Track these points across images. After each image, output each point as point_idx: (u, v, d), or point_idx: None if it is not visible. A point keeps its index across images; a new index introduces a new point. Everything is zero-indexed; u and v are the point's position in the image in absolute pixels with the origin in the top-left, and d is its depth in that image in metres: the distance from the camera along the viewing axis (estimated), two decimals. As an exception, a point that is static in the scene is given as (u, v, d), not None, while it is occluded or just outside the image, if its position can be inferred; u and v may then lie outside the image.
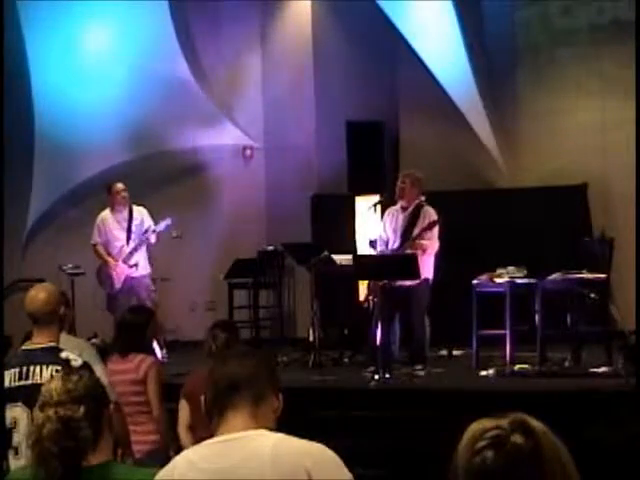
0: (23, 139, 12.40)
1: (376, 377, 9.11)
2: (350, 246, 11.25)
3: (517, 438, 1.85)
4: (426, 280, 9.55)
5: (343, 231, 11.87)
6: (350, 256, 10.16)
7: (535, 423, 1.89)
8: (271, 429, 2.69)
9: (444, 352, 10.79)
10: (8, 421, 4.31)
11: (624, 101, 11.27)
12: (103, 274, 11.02)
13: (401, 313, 9.80)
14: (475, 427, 1.90)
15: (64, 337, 5.08)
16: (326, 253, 10.30)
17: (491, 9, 12.55)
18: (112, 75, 12.68)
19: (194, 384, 6.02)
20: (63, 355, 4.45)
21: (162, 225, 10.97)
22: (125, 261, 10.93)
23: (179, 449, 3.19)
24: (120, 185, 11.03)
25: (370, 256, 10.01)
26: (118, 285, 10.90)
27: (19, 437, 4.27)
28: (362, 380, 9.30)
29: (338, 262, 10.38)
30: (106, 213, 11.11)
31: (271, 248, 12.50)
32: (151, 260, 11.15)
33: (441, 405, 8.35)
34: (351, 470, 2.63)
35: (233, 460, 2.59)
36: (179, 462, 2.69)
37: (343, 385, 9.34)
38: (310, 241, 12.16)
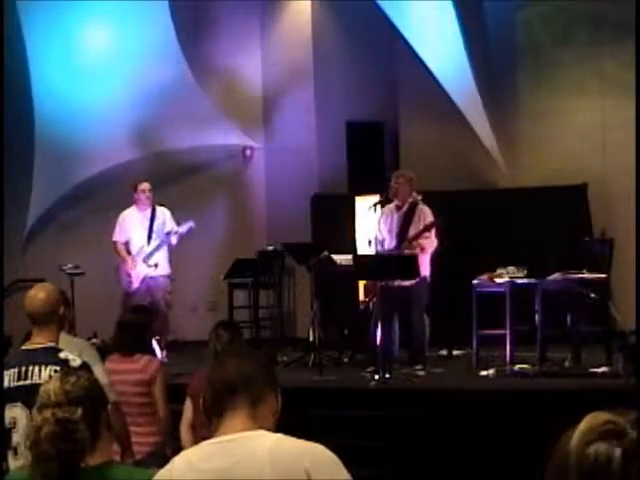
0: (23, 139, 12.40)
1: (376, 377, 9.11)
2: (350, 246, 11.25)
3: (634, 434, 1.85)
4: (424, 278, 9.58)
5: (343, 231, 11.87)
6: (350, 256, 10.17)
7: None
8: (270, 430, 2.69)
9: (444, 352, 10.79)
10: (7, 421, 4.31)
11: (624, 101, 11.27)
12: (122, 272, 11.02)
13: (401, 313, 9.81)
14: (591, 419, 1.90)
15: (64, 337, 5.07)
16: (326, 253, 10.29)
17: (491, 9, 12.55)
18: (112, 75, 12.67)
19: (197, 384, 6.03)
20: (62, 355, 4.45)
21: (185, 227, 10.99)
22: (145, 261, 10.94)
23: (178, 449, 3.19)
24: (146, 184, 11.03)
25: (370, 256, 10.01)
26: (136, 284, 10.91)
27: (18, 437, 4.26)
28: (362, 380, 9.30)
29: (338, 262, 10.38)
30: (129, 211, 11.11)
31: (271, 248, 12.49)
32: (171, 261, 11.14)
33: (441, 405, 8.36)
34: (350, 470, 2.62)
35: (232, 460, 2.59)
36: (177, 462, 2.69)
37: (343, 385, 9.34)
38: (310, 241, 12.15)
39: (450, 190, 11.77)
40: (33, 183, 12.72)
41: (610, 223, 11.08)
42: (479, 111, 12.35)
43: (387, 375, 9.15)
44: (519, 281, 9.67)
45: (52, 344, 4.55)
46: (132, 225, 11.05)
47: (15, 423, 4.31)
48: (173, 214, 11.19)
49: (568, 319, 9.68)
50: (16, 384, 4.39)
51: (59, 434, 2.86)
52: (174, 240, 10.99)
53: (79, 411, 2.91)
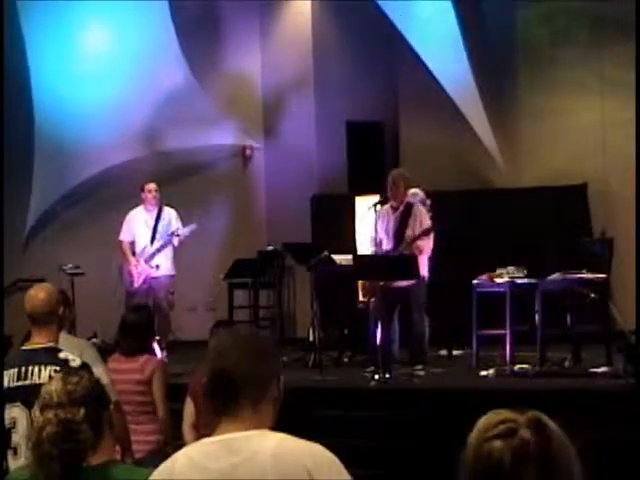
0: (23, 139, 12.39)
1: (376, 377, 9.11)
2: (350, 246, 11.24)
3: (526, 433, 1.86)
4: (422, 278, 9.58)
5: (343, 231, 11.86)
6: (350, 256, 10.17)
7: (549, 422, 1.91)
8: (272, 420, 2.68)
9: (444, 352, 10.78)
10: (7, 421, 4.31)
11: (624, 101, 11.27)
12: (124, 271, 11.04)
13: (400, 312, 9.81)
14: (490, 417, 1.92)
15: (65, 337, 5.08)
16: (326, 253, 10.29)
17: (491, 9, 12.55)
18: (112, 75, 12.67)
19: (197, 384, 6.03)
20: (62, 355, 4.44)
21: (187, 230, 11.00)
22: (147, 261, 10.94)
23: (180, 448, 3.17)
24: (152, 185, 11.05)
25: (370, 256, 10.01)
26: (137, 284, 10.92)
27: (18, 437, 4.26)
28: (362, 380, 9.30)
29: (338, 262, 10.38)
30: (136, 211, 11.14)
31: (271, 248, 12.50)
32: (175, 262, 11.13)
33: (441, 405, 8.36)
34: (350, 470, 2.62)
35: (234, 460, 2.58)
36: (179, 459, 2.67)
37: (343, 385, 9.34)
38: (310, 241, 12.15)
39: (450, 190, 11.77)
40: (33, 183, 12.71)
41: (610, 223, 11.07)
42: (479, 111, 12.36)
43: (387, 375, 9.15)
44: (519, 281, 9.67)
45: (52, 344, 4.54)
46: (137, 225, 11.07)
47: (15, 423, 4.31)
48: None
49: (568, 319, 9.68)
50: (16, 384, 4.38)
51: (62, 435, 2.86)
52: (176, 242, 10.99)
53: (81, 412, 2.90)
